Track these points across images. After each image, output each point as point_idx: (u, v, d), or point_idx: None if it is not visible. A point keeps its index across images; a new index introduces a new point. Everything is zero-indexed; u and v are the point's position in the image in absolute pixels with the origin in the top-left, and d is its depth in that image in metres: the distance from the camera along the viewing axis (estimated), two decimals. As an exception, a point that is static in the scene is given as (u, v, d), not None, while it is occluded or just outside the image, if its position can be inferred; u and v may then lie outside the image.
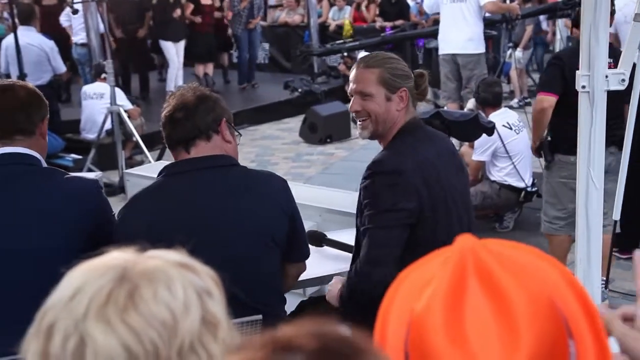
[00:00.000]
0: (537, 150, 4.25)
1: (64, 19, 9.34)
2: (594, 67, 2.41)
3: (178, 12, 10.04)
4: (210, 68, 10.97)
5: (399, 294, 0.90)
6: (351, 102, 2.41)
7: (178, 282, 0.86)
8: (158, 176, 2.23)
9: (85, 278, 0.86)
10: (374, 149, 2.60)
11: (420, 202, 2.26)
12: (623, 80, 2.42)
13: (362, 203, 2.31)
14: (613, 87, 2.42)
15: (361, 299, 2.25)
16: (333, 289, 2.46)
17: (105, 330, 0.81)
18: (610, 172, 4.21)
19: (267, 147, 8.49)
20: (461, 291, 0.81)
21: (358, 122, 2.43)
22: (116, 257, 0.89)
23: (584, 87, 2.43)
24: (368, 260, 2.25)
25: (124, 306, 0.82)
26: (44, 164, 2.31)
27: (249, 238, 2.13)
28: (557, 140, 3.94)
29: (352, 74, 2.42)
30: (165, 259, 0.89)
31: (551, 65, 3.98)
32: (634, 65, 2.60)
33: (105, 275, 0.85)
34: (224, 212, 2.12)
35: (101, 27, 8.43)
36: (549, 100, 3.80)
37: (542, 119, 3.92)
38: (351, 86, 2.42)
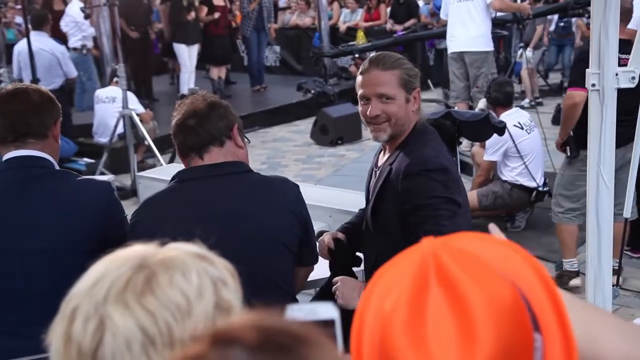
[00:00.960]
0: (563, 145, 4.25)
1: (64, 24, 9.35)
2: (604, 65, 2.41)
3: (192, 14, 10.08)
4: (223, 71, 11.02)
5: (374, 293, 0.90)
6: (369, 107, 2.32)
7: (193, 270, 0.90)
8: (171, 181, 2.24)
9: (107, 267, 0.91)
10: (377, 152, 2.61)
11: (462, 197, 2.30)
12: (633, 78, 2.41)
13: (409, 202, 2.24)
14: (623, 85, 2.41)
15: None
16: (350, 292, 2.31)
17: (124, 313, 0.85)
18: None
19: (278, 149, 8.51)
20: (423, 294, 0.82)
21: (373, 126, 2.35)
22: (137, 249, 0.93)
23: (594, 85, 2.43)
24: (450, 231, 2.20)
25: (141, 291, 0.87)
26: (57, 167, 2.34)
27: (261, 243, 2.15)
28: (583, 135, 3.93)
29: (365, 76, 2.34)
30: (184, 250, 0.94)
31: (580, 62, 3.97)
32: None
33: (126, 264, 0.90)
34: (237, 218, 2.13)
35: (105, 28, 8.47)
36: (580, 95, 3.80)
37: (574, 114, 3.94)
38: (365, 90, 2.34)
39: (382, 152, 2.51)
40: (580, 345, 0.87)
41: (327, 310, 0.85)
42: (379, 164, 2.47)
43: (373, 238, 2.39)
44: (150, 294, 0.86)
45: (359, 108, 2.39)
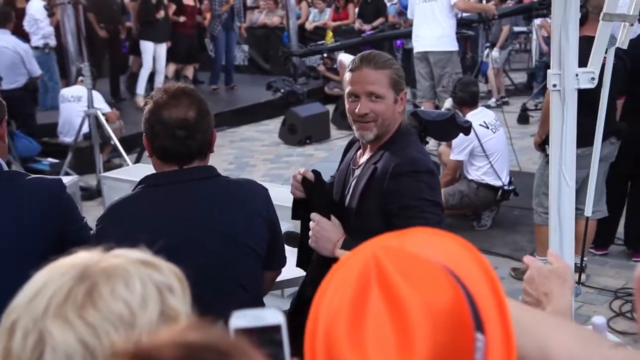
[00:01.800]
0: (541, 145, 4.28)
1: (25, 22, 9.16)
2: (565, 66, 2.45)
3: (162, 13, 10.00)
4: (190, 70, 10.95)
5: (328, 291, 0.90)
6: (358, 104, 2.30)
7: (137, 278, 0.88)
8: (137, 186, 2.19)
9: (48, 277, 0.88)
10: (347, 148, 2.61)
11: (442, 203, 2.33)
12: (593, 78, 2.45)
13: (395, 202, 2.22)
14: (583, 86, 2.46)
15: None
16: (325, 242, 2.27)
17: (63, 327, 0.83)
18: (607, 160, 4.28)
19: (246, 148, 8.48)
20: (364, 297, 0.82)
21: (359, 124, 2.33)
22: (80, 257, 0.91)
23: (555, 85, 2.47)
24: None
25: (81, 303, 0.84)
26: (5, 167, 2.28)
27: (229, 247, 2.13)
28: None
29: (355, 74, 2.32)
30: (127, 257, 0.91)
31: None
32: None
33: (67, 274, 0.87)
34: (204, 222, 2.11)
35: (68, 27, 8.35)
36: None
37: None
38: (355, 87, 2.31)
39: (361, 150, 2.50)
40: (529, 348, 0.88)
41: (273, 316, 0.84)
42: (359, 162, 2.45)
43: (352, 235, 2.39)
44: (91, 306, 0.84)
45: (347, 105, 2.36)
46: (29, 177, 2.26)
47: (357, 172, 2.41)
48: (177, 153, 2.10)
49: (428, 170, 2.27)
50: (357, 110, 2.30)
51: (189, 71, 10.96)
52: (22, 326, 0.84)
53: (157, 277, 0.90)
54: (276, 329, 0.83)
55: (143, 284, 0.87)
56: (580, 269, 3.61)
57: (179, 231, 2.06)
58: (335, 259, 2.30)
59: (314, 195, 2.45)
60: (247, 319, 0.83)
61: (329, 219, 2.33)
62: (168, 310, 0.87)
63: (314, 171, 2.49)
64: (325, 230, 2.29)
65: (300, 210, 2.51)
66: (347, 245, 2.27)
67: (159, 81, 10.04)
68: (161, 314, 0.86)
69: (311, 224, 2.32)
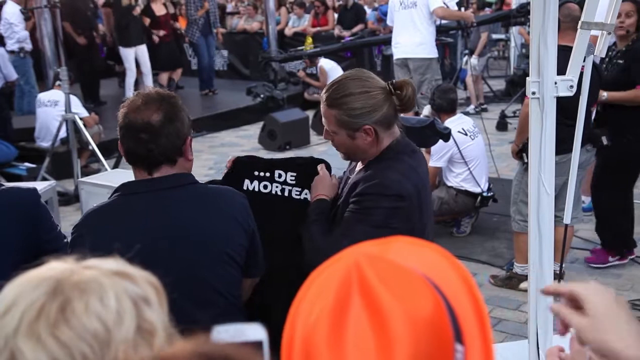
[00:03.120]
0: (518, 153, 4.30)
1: (1, 27, 9.00)
2: (543, 74, 2.46)
3: (137, 10, 9.98)
4: (178, 74, 10.95)
5: (305, 300, 0.90)
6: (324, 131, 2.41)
7: (111, 292, 0.85)
8: (113, 194, 2.16)
9: (19, 292, 0.85)
10: (334, 155, 2.60)
11: (413, 227, 2.27)
12: (571, 86, 2.47)
13: (348, 210, 2.28)
14: (562, 94, 2.47)
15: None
16: (321, 184, 2.46)
17: (35, 346, 0.80)
18: (583, 167, 4.32)
19: (226, 154, 8.44)
20: (345, 306, 0.82)
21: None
22: (52, 268, 0.88)
23: (534, 93, 2.48)
24: (346, 237, 2.18)
25: (54, 321, 0.82)
26: None
27: (207, 255, 2.11)
28: None
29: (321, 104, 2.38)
30: (101, 269, 0.88)
31: None
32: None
33: (39, 288, 0.84)
34: (182, 230, 2.08)
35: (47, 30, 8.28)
36: None
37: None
38: None
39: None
40: None
41: (255, 332, 0.83)
42: (354, 172, 2.48)
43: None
44: (65, 324, 0.81)
45: None
46: (3, 187, 2.23)
47: (350, 181, 2.43)
48: (140, 156, 2.08)
49: (396, 194, 2.24)
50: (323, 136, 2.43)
51: (177, 75, 10.98)
52: None
53: (132, 289, 0.87)
54: (258, 344, 0.82)
55: (118, 299, 0.84)
56: (560, 276, 3.63)
57: (154, 240, 2.04)
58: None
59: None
60: (228, 334, 0.81)
61: None
62: (144, 324, 0.85)
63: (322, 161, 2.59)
64: (321, 180, 2.47)
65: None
66: (318, 204, 2.42)
67: (147, 83, 10.00)
68: (138, 328, 0.84)
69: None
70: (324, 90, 2.38)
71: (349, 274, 0.83)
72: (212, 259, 2.12)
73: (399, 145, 2.36)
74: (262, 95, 9.95)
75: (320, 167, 2.50)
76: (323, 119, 2.35)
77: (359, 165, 2.45)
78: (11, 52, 8.62)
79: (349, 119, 2.27)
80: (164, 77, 10.72)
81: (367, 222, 2.23)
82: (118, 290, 0.85)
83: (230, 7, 14.82)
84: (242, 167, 2.61)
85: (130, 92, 9.85)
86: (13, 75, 7.65)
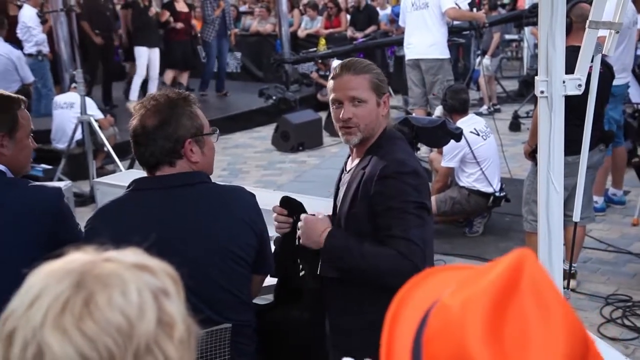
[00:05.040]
0: (531, 154, 4.30)
1: (18, 29, 9.08)
2: (552, 73, 2.48)
3: (153, 10, 10.04)
4: (185, 77, 10.97)
5: (422, 287, 0.91)
6: (342, 110, 2.35)
7: (133, 286, 0.87)
8: (127, 189, 2.24)
9: (44, 284, 0.87)
10: (344, 157, 2.64)
11: (430, 204, 2.36)
12: (580, 85, 2.48)
13: (380, 204, 2.26)
14: (570, 92, 2.48)
15: (388, 280, 2.13)
16: (313, 231, 2.33)
17: (62, 339, 0.83)
18: (595, 167, 4.31)
19: (239, 155, 8.50)
20: (511, 292, 0.81)
21: (344, 130, 2.38)
22: (74, 260, 0.90)
23: (542, 92, 2.49)
24: (418, 240, 2.21)
25: (79, 314, 0.84)
26: (9, 175, 2.33)
27: (215, 253, 2.15)
28: None
29: (337, 81, 2.38)
30: (121, 261, 0.91)
31: None
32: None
33: (63, 281, 0.87)
34: (191, 228, 2.13)
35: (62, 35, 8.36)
36: None
37: None
38: (337, 94, 2.37)
39: (350, 156, 2.54)
40: None
41: None
42: (348, 167, 2.51)
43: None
44: (89, 318, 0.84)
45: (332, 112, 2.42)
46: (30, 184, 2.33)
47: (347, 177, 2.45)
48: (140, 158, 2.18)
49: (413, 171, 2.30)
50: (341, 116, 2.35)
51: (184, 78, 10.97)
52: (21, 336, 0.84)
53: (152, 281, 0.90)
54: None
55: (139, 293, 0.87)
56: (569, 275, 3.64)
57: (160, 235, 2.08)
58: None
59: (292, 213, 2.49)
60: None
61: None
62: (164, 317, 0.87)
63: (283, 199, 2.53)
64: (312, 223, 2.35)
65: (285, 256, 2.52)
66: (334, 234, 2.33)
67: (152, 88, 10.05)
68: (158, 321, 0.87)
69: (299, 224, 2.37)
70: (337, 70, 2.40)
71: (520, 266, 0.82)
72: (217, 256, 2.16)
73: (391, 130, 2.43)
74: (274, 97, 9.99)
75: (302, 218, 2.40)
76: (344, 92, 2.34)
77: (355, 156, 2.48)
78: (29, 55, 8.72)
79: (379, 83, 2.38)
80: (169, 75, 10.72)
81: (409, 206, 2.25)
82: (139, 284, 0.88)
83: (244, 7, 14.88)
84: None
85: (135, 92, 9.93)
86: (30, 77, 7.74)
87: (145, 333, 0.85)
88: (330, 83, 2.42)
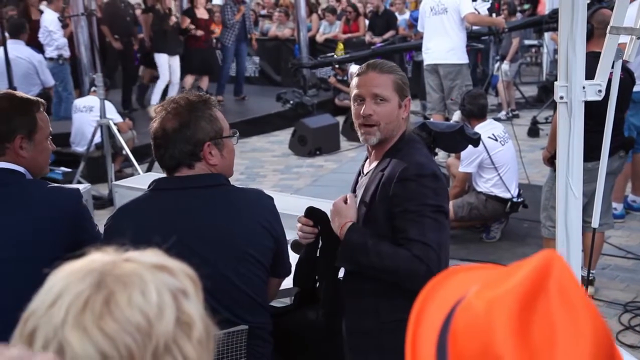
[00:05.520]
0: (550, 160, 4.27)
1: (40, 33, 9.17)
2: (572, 78, 2.46)
3: (173, 19, 10.11)
4: (205, 81, 11.03)
5: (447, 285, 0.91)
6: (363, 106, 2.36)
7: (152, 286, 0.88)
8: (147, 188, 2.26)
9: (65, 283, 0.88)
10: (361, 161, 2.64)
11: (447, 210, 2.37)
12: (600, 91, 2.47)
13: (399, 206, 2.27)
14: (590, 98, 2.47)
15: (407, 281, 2.18)
16: (340, 215, 2.34)
17: (82, 337, 0.84)
18: (615, 173, 4.28)
19: (257, 159, 8.53)
20: (538, 294, 0.81)
21: (364, 128, 2.39)
22: (94, 260, 0.91)
23: (562, 97, 2.48)
24: (434, 244, 2.22)
25: (100, 313, 0.85)
26: (28, 176, 2.36)
27: (232, 256, 2.17)
28: None
29: (362, 78, 2.41)
30: (141, 262, 0.92)
31: None
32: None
33: (84, 280, 0.88)
34: (204, 230, 2.15)
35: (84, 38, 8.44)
36: None
37: None
38: (361, 90, 2.39)
39: (368, 159, 2.55)
40: None
41: None
42: (365, 170, 2.51)
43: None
44: (109, 317, 0.85)
45: (352, 109, 2.44)
46: (49, 185, 2.36)
47: (365, 179, 2.46)
48: (160, 160, 2.23)
49: (432, 174, 2.30)
50: (362, 112, 2.37)
51: (204, 83, 11.05)
52: (42, 335, 0.85)
53: (171, 282, 0.90)
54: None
55: (158, 292, 0.88)
56: (587, 281, 3.61)
57: (182, 237, 2.10)
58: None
59: (320, 225, 2.48)
60: None
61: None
62: (183, 317, 0.88)
63: (308, 210, 2.51)
64: (338, 210, 2.36)
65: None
66: (353, 229, 2.32)
67: (173, 92, 10.12)
68: (177, 321, 0.87)
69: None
70: (364, 68, 2.43)
71: (547, 267, 0.82)
72: (234, 258, 2.17)
73: (410, 134, 2.46)
74: (291, 102, 10.01)
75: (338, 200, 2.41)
76: (368, 89, 2.36)
77: (373, 159, 2.48)
78: (50, 59, 8.81)
79: (403, 85, 2.41)
80: (189, 80, 10.80)
81: (427, 210, 2.25)
82: (158, 284, 0.89)
83: (263, 12, 14.94)
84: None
85: (157, 96, 9.99)
86: (50, 81, 7.83)
87: (164, 332, 0.86)
88: (354, 80, 2.45)
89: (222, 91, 11.35)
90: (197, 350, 0.88)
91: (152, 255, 0.94)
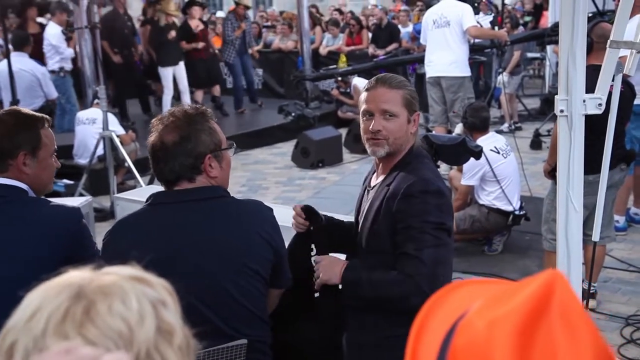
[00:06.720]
0: (551, 172, 4.26)
1: (44, 46, 9.23)
2: (572, 92, 2.47)
3: (172, 33, 10.14)
4: (217, 90, 11.14)
5: (449, 300, 0.91)
6: (372, 122, 2.37)
7: (132, 295, 0.89)
8: (145, 202, 2.26)
9: (43, 298, 0.88)
10: (364, 173, 2.64)
11: (451, 226, 2.36)
12: (600, 104, 2.47)
13: (402, 222, 2.28)
14: (590, 112, 2.48)
15: (403, 303, 2.20)
16: (331, 268, 2.38)
17: (64, 345, 0.83)
18: (617, 186, 4.28)
19: (259, 171, 8.54)
20: (540, 316, 0.81)
21: (372, 141, 2.39)
22: (72, 276, 0.91)
23: (562, 111, 2.49)
24: (428, 260, 2.22)
25: (80, 321, 0.85)
26: (31, 193, 2.36)
27: (230, 268, 2.16)
28: None
29: (370, 93, 2.41)
30: (120, 274, 0.92)
31: None
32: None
33: (62, 293, 0.88)
34: (203, 243, 2.14)
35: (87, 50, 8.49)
36: None
37: None
38: (370, 105, 2.39)
39: (375, 173, 2.55)
40: None
41: None
42: (372, 184, 2.51)
43: (364, 256, 2.43)
44: (90, 324, 0.85)
45: (361, 124, 2.44)
46: (50, 203, 2.37)
47: (372, 193, 2.46)
48: (159, 174, 2.21)
49: (437, 190, 2.30)
50: (370, 127, 2.37)
51: (216, 91, 11.16)
52: (22, 347, 0.85)
53: (150, 292, 0.91)
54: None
55: (138, 301, 0.88)
56: (588, 294, 3.60)
57: (176, 249, 2.11)
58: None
59: (314, 224, 2.55)
60: None
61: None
62: (163, 325, 0.88)
63: (306, 206, 2.57)
64: (329, 262, 2.41)
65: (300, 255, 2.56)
66: (352, 268, 2.37)
67: (185, 100, 10.18)
68: (158, 329, 0.87)
69: (316, 266, 2.43)
70: (373, 82, 2.44)
71: (550, 287, 0.82)
72: (233, 271, 2.16)
73: (418, 149, 2.46)
74: (293, 114, 10.04)
75: (315, 259, 2.47)
76: (376, 104, 2.37)
77: (380, 173, 2.48)
78: (52, 71, 8.85)
79: (411, 100, 2.41)
80: (199, 94, 10.88)
81: (428, 227, 2.25)
82: (138, 293, 0.89)
83: (267, 23, 15.00)
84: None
85: (166, 109, 10.01)
86: (54, 93, 7.86)
87: (145, 339, 0.86)
88: (363, 95, 2.45)
89: (240, 105, 11.48)
90: (179, 357, 0.88)
91: (130, 269, 0.94)
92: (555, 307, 0.81)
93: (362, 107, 2.43)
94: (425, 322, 0.91)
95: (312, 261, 2.45)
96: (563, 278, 0.83)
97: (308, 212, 2.56)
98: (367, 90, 2.44)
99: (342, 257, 2.57)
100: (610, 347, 0.84)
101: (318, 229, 2.54)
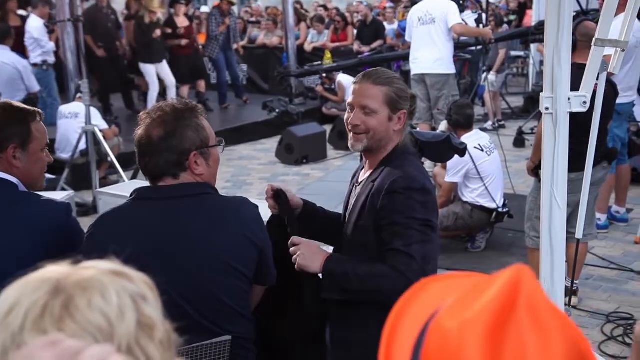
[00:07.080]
0: (534, 170, 4.28)
1: (25, 39, 9.13)
2: (557, 90, 2.48)
3: (158, 32, 10.07)
4: (202, 86, 11.09)
5: (419, 299, 0.91)
6: (351, 115, 2.38)
7: (112, 289, 0.87)
8: (129, 197, 2.23)
9: (20, 293, 0.87)
10: (350, 169, 2.64)
11: (436, 224, 2.34)
12: (585, 102, 2.49)
13: (386, 218, 2.27)
14: (575, 109, 2.49)
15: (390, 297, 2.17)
16: (312, 255, 2.32)
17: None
18: (599, 184, 4.31)
19: (243, 167, 8.51)
20: (508, 315, 0.81)
21: (352, 134, 2.42)
22: (50, 271, 0.90)
23: (547, 108, 2.50)
24: (418, 257, 2.21)
25: (59, 316, 0.84)
26: (22, 188, 2.34)
27: (212, 266, 2.13)
28: None
29: (356, 86, 2.42)
30: (99, 269, 0.91)
31: None
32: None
33: (40, 288, 0.86)
34: (185, 240, 2.12)
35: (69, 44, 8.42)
36: None
37: None
38: (352, 99, 2.41)
39: (363, 168, 2.55)
40: None
41: None
42: (360, 180, 2.51)
43: (350, 250, 2.43)
44: (69, 319, 0.83)
45: (345, 115, 2.46)
46: (40, 199, 2.34)
47: (358, 189, 2.47)
48: (142, 169, 2.19)
49: (422, 187, 2.29)
50: (350, 121, 2.40)
51: (201, 87, 11.11)
52: (0, 343, 0.83)
53: (130, 287, 0.89)
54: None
55: (118, 295, 0.87)
56: (571, 291, 3.63)
57: (157, 245, 2.09)
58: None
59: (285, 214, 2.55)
60: None
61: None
62: (144, 319, 0.87)
63: (279, 190, 2.56)
64: (309, 249, 2.34)
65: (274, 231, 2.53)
66: (337, 260, 2.34)
67: (171, 96, 10.12)
68: (138, 323, 0.86)
69: (293, 248, 2.35)
70: (360, 76, 2.43)
71: (516, 286, 0.82)
72: (216, 269, 2.14)
73: (405, 146, 2.45)
74: (277, 110, 10.02)
75: (293, 240, 2.37)
76: (356, 98, 2.38)
77: (367, 169, 2.49)
78: (34, 65, 8.75)
79: (396, 98, 2.38)
80: (185, 90, 10.83)
81: (414, 223, 2.25)
82: (118, 288, 0.88)
83: (252, 19, 14.95)
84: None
85: (152, 105, 9.96)
86: (35, 87, 7.78)
87: (126, 334, 0.85)
88: (351, 87, 2.47)
89: (224, 100, 11.43)
90: (160, 351, 0.87)
91: (110, 264, 0.93)
92: (522, 303, 0.81)
93: (348, 99, 2.46)
94: (396, 324, 0.91)
95: (289, 243, 2.38)
96: (529, 272, 0.84)
97: (277, 195, 2.55)
98: (354, 83, 2.46)
99: (330, 249, 2.55)
100: (586, 339, 0.85)
101: (286, 212, 2.52)
